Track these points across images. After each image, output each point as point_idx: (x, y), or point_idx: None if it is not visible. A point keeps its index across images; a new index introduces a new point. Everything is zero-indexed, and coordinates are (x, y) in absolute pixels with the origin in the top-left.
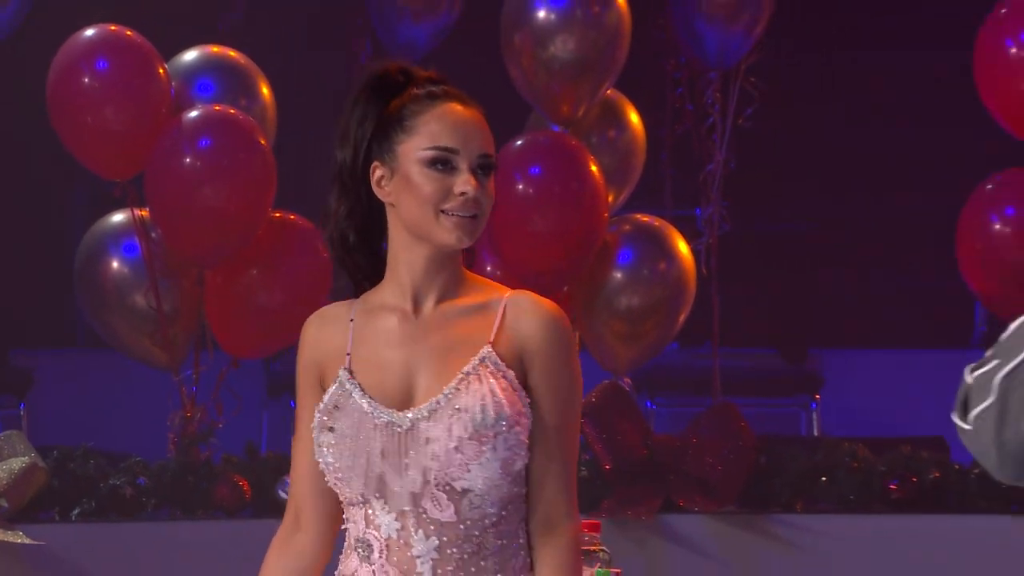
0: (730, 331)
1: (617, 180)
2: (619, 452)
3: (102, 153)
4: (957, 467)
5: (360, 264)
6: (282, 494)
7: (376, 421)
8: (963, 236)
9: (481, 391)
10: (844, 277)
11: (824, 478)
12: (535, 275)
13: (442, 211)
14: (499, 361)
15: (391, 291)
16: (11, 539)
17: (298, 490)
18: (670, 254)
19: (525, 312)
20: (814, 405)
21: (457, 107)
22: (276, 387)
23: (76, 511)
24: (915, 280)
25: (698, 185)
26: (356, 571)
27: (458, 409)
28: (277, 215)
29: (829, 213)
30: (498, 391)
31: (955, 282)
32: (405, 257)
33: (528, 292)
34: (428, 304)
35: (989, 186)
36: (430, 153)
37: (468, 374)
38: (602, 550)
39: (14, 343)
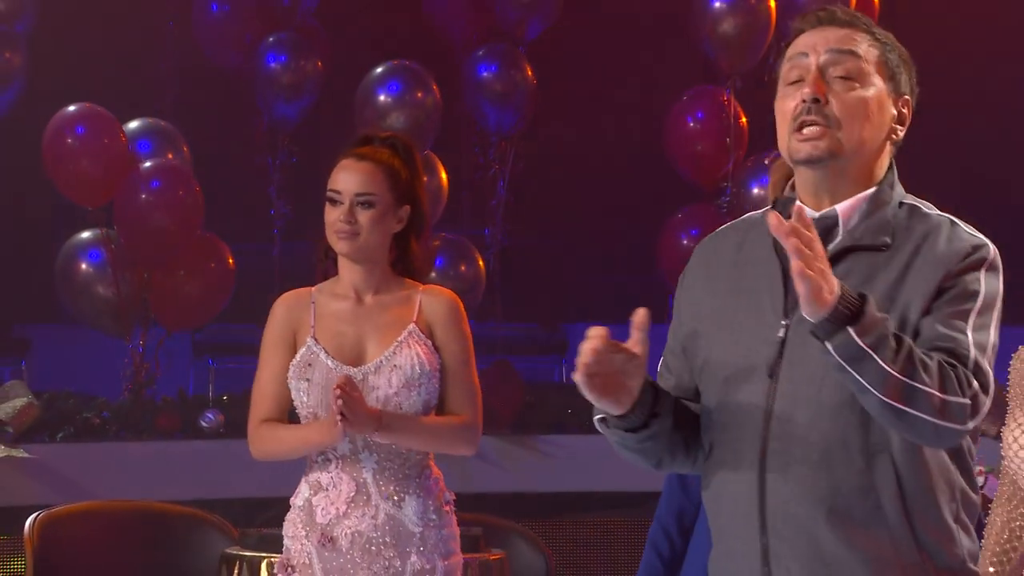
0: (507, 310)
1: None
2: None
3: (80, 190)
4: None
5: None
6: (203, 424)
7: (334, 372)
8: (663, 248)
9: (410, 354)
10: (585, 275)
11: (570, 410)
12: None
13: (334, 232)
14: (420, 333)
15: (342, 285)
16: (15, 455)
17: (265, 405)
18: (469, 259)
19: (433, 300)
20: (564, 362)
21: (349, 162)
22: (199, 350)
23: (60, 435)
24: (623, 274)
25: (486, 213)
26: (319, 478)
27: (395, 366)
28: (201, 234)
29: (572, 232)
30: (422, 354)
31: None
32: (342, 262)
33: (435, 286)
34: (367, 295)
35: (679, 215)
36: (328, 193)
37: (401, 342)
38: None
39: (16, 319)
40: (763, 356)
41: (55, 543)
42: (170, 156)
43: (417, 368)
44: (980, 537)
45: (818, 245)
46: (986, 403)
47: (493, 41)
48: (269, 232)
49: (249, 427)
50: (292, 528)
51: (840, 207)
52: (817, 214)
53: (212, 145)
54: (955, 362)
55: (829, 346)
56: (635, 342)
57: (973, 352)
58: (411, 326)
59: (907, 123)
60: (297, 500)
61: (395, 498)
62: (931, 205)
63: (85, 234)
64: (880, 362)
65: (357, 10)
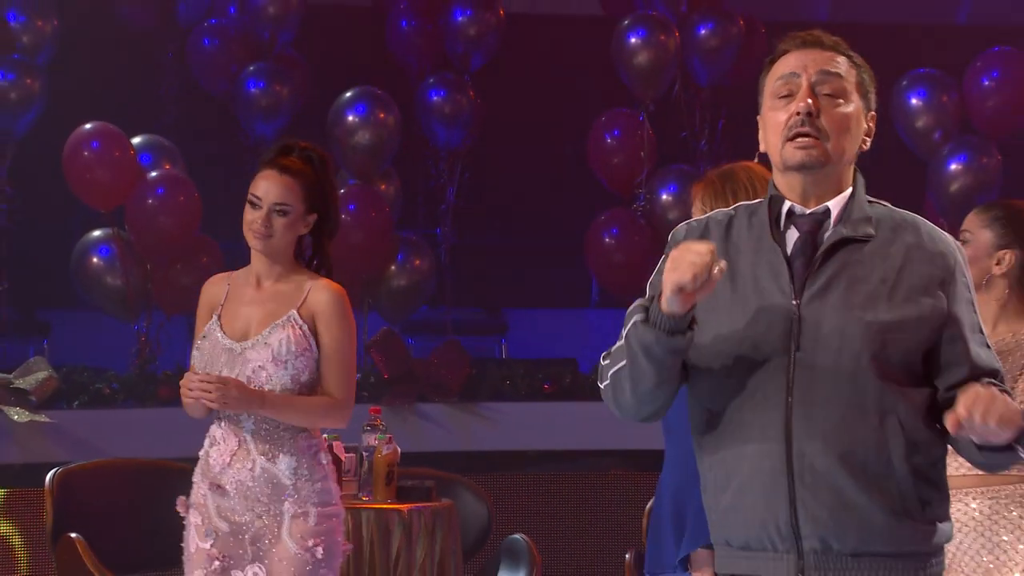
0: (456, 297)
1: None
2: (392, 367)
3: (94, 195)
4: (582, 374)
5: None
6: None
7: (223, 345)
8: (588, 245)
9: (283, 335)
10: (521, 268)
11: (508, 382)
12: (355, 262)
13: (251, 231)
14: (298, 318)
15: (252, 273)
16: (38, 420)
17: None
18: (423, 255)
19: (318, 292)
20: (504, 341)
21: (272, 172)
22: (194, 332)
23: (76, 403)
24: (554, 267)
25: (438, 216)
26: (214, 433)
27: (267, 344)
28: (197, 235)
29: (511, 231)
30: (292, 337)
31: (583, 271)
32: (253, 253)
33: (326, 280)
34: (267, 283)
35: (602, 217)
36: (249, 197)
37: (278, 325)
38: (381, 424)
39: (39, 305)
40: (777, 333)
41: (72, 495)
42: (167, 167)
43: (284, 348)
44: None
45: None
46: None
47: (442, 71)
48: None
49: None
50: (196, 473)
51: (831, 204)
52: (808, 211)
53: (204, 157)
54: (1000, 382)
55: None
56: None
57: (999, 364)
58: (292, 312)
59: (872, 135)
60: (201, 450)
61: (269, 455)
62: (889, 203)
63: (96, 233)
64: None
65: (329, 43)
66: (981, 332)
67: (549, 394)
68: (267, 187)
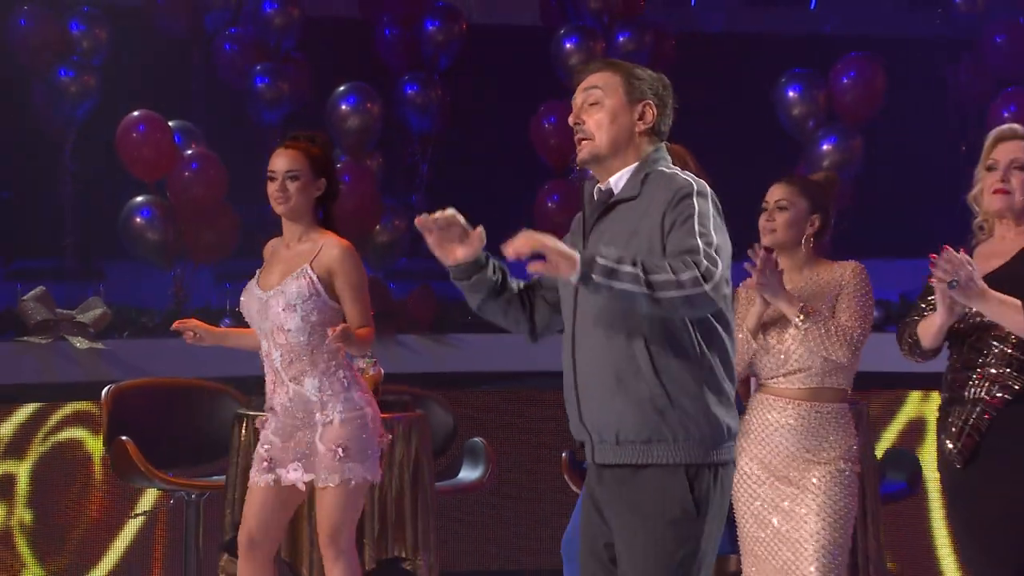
0: (427, 250)
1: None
2: (376, 306)
3: (141, 169)
4: None
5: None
6: (222, 326)
7: (256, 296)
8: (536, 208)
9: (296, 284)
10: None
11: (469, 317)
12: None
13: (273, 200)
14: (310, 271)
15: (285, 237)
16: (96, 347)
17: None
18: (401, 217)
19: (330, 248)
20: None
21: (280, 150)
22: (218, 278)
23: (125, 333)
24: (507, 228)
25: (413, 187)
26: (265, 368)
27: (282, 292)
28: (222, 200)
29: (471, 199)
30: (304, 286)
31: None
32: (283, 220)
33: (336, 237)
34: (293, 243)
35: (545, 186)
36: (268, 173)
37: (291, 277)
38: (369, 351)
39: (95, 255)
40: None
41: (123, 407)
42: (193, 145)
43: (295, 295)
44: None
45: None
46: (717, 273)
47: (416, 70)
48: (264, 199)
49: None
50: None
51: (612, 180)
52: (603, 186)
53: (225, 139)
54: (687, 256)
55: (589, 287)
56: (475, 235)
57: (700, 246)
58: (306, 265)
59: (653, 111)
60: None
61: (297, 379)
62: (682, 170)
63: (140, 198)
64: (625, 272)
65: (325, 47)
66: (691, 230)
67: (502, 328)
68: (278, 160)
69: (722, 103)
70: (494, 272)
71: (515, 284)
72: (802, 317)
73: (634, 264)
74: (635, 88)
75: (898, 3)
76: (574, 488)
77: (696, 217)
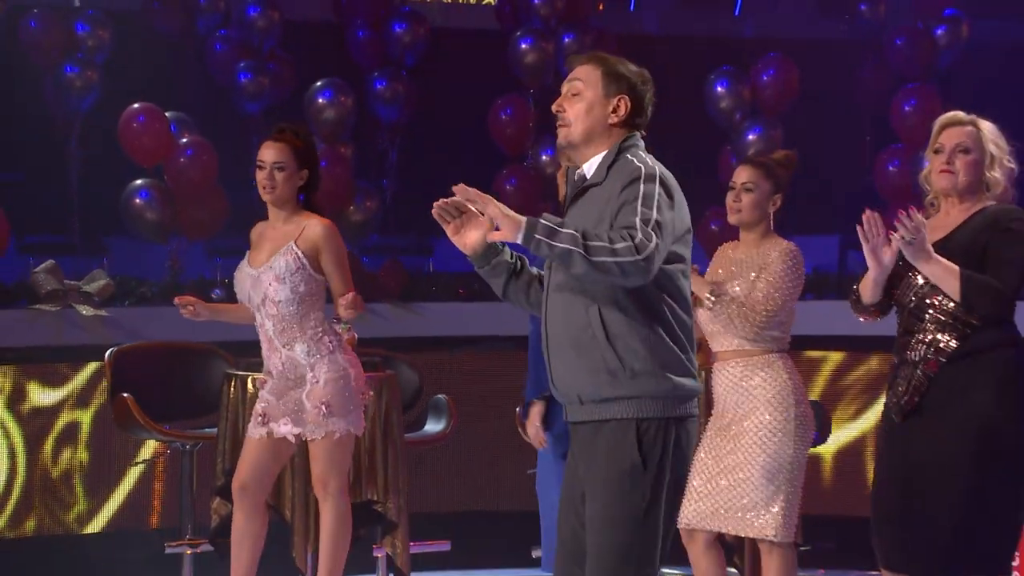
0: (397, 228)
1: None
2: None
3: (140, 155)
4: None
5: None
6: (213, 296)
7: (248, 273)
8: (495, 191)
9: (283, 260)
10: None
11: (434, 288)
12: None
13: (262, 188)
14: (296, 249)
15: (270, 220)
16: (100, 314)
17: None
18: (373, 198)
19: (312, 227)
20: (431, 260)
21: (269, 142)
22: (210, 253)
23: (126, 302)
24: None
25: (383, 171)
26: (260, 335)
27: (271, 267)
28: (213, 183)
29: (436, 182)
30: (291, 261)
31: None
32: (269, 204)
33: (318, 217)
34: (278, 225)
35: (503, 171)
36: (257, 163)
37: (279, 254)
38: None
39: (100, 232)
40: None
41: (124, 367)
42: (188, 135)
43: (283, 269)
44: None
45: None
46: (651, 245)
47: (385, 67)
48: (249, 181)
49: None
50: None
51: (585, 166)
52: (579, 171)
53: (215, 128)
54: (625, 231)
55: (532, 246)
56: (484, 219)
57: (638, 222)
58: (291, 243)
59: (627, 105)
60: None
61: (288, 345)
62: (646, 156)
63: (140, 181)
64: (565, 234)
65: (304, 47)
66: (632, 208)
67: (463, 297)
68: (267, 152)
69: (658, 97)
70: (511, 256)
71: (534, 269)
72: (713, 299)
73: (575, 231)
74: (612, 83)
75: (811, 9)
76: (526, 439)
77: (640, 199)
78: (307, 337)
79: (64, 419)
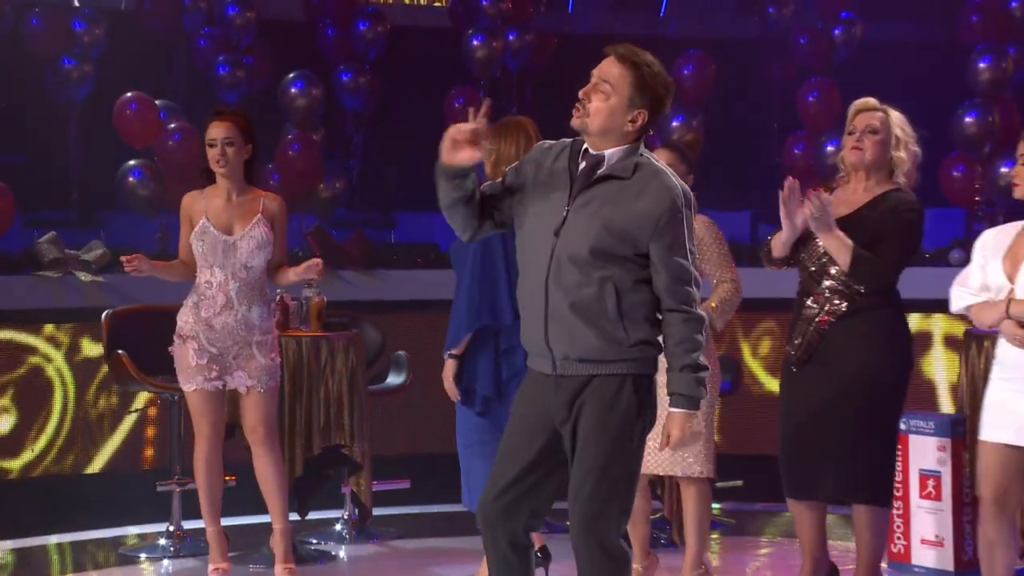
0: (362, 203)
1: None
2: (322, 247)
3: (133, 138)
4: (442, 252)
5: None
6: None
7: (219, 238)
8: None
9: (259, 231)
10: (407, 185)
11: (395, 257)
12: (297, 182)
13: (214, 163)
14: (264, 220)
15: (218, 190)
16: (97, 280)
17: (182, 255)
18: (341, 179)
19: (271, 202)
20: (393, 232)
21: (216, 121)
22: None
23: (120, 270)
24: (430, 188)
25: (350, 153)
26: (204, 291)
27: (251, 236)
28: (199, 163)
29: (399, 161)
30: (265, 232)
31: None
32: (219, 177)
33: (272, 193)
34: (233, 196)
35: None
36: (207, 141)
37: (254, 224)
38: (314, 283)
39: (97, 207)
40: (552, 224)
41: (118, 327)
42: (175, 120)
43: (263, 238)
44: None
45: None
46: (697, 292)
47: (350, 61)
48: None
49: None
50: (186, 316)
51: (607, 153)
52: (594, 151)
53: (201, 115)
54: (684, 287)
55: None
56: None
57: (692, 271)
58: (259, 216)
59: (637, 122)
60: (189, 301)
61: (247, 305)
62: (657, 159)
63: (132, 161)
64: (700, 378)
65: (278, 43)
66: (683, 250)
67: (421, 265)
68: (216, 130)
69: None
70: (473, 183)
71: (479, 193)
72: None
73: (684, 369)
74: (638, 95)
75: (727, 10)
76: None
77: (686, 236)
78: (263, 300)
79: (66, 374)
